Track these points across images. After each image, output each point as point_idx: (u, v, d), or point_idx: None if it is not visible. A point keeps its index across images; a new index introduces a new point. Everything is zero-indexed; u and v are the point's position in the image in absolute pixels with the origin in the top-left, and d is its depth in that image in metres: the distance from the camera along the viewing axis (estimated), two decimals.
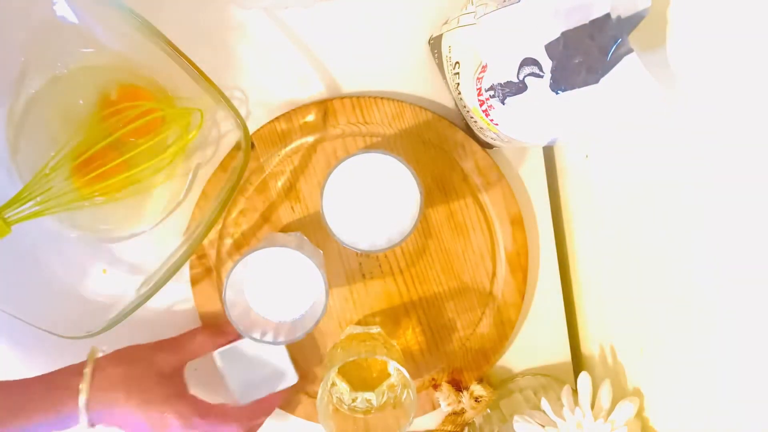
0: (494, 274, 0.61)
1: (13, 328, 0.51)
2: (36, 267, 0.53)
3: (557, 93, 0.42)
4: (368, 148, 0.59)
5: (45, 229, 0.53)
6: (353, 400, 0.56)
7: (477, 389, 0.60)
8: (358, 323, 0.61)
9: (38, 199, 0.50)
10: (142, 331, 0.60)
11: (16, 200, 0.49)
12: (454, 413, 0.61)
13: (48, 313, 0.51)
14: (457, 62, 0.53)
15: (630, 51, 0.40)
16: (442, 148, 0.59)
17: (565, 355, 0.64)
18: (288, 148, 0.58)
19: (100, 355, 0.51)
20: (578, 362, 0.66)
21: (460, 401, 0.60)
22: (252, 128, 0.58)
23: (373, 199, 0.50)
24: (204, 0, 0.57)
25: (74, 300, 0.53)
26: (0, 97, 0.53)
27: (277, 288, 0.52)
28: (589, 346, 0.64)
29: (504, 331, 0.61)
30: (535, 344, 0.63)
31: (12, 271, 0.52)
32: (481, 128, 0.54)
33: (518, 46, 0.43)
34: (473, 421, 0.61)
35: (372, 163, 0.49)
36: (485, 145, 0.59)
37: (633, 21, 0.41)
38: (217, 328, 0.57)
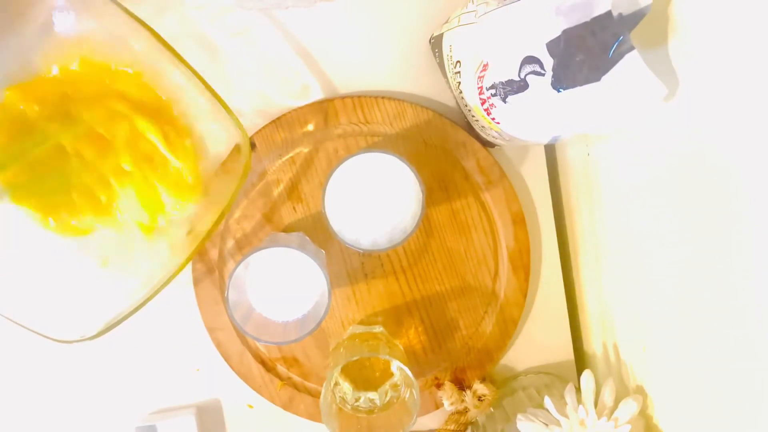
0: (496, 272, 0.61)
1: (8, 331, 0.51)
2: (32, 269, 0.53)
3: (559, 91, 0.42)
4: (370, 147, 0.59)
5: (41, 232, 0.53)
6: (356, 400, 0.56)
7: (480, 388, 0.60)
8: (361, 323, 0.61)
9: None
10: (144, 331, 0.60)
11: None
12: (457, 412, 0.61)
13: (44, 316, 0.50)
14: (458, 61, 0.53)
15: (631, 48, 0.40)
16: (444, 147, 0.59)
17: (567, 353, 0.64)
18: (289, 148, 0.58)
19: None
20: (581, 360, 0.66)
21: (463, 400, 0.60)
22: (253, 129, 0.58)
23: (374, 199, 0.50)
24: (203, 1, 0.57)
25: (71, 303, 0.52)
26: None
27: (279, 288, 0.52)
28: (591, 344, 0.64)
29: (507, 330, 0.61)
30: (537, 343, 0.63)
31: (7, 273, 0.51)
32: (482, 127, 0.54)
33: (519, 45, 0.43)
34: (476, 420, 0.61)
35: (373, 163, 0.49)
36: (487, 144, 0.59)
37: (634, 18, 0.41)
38: None
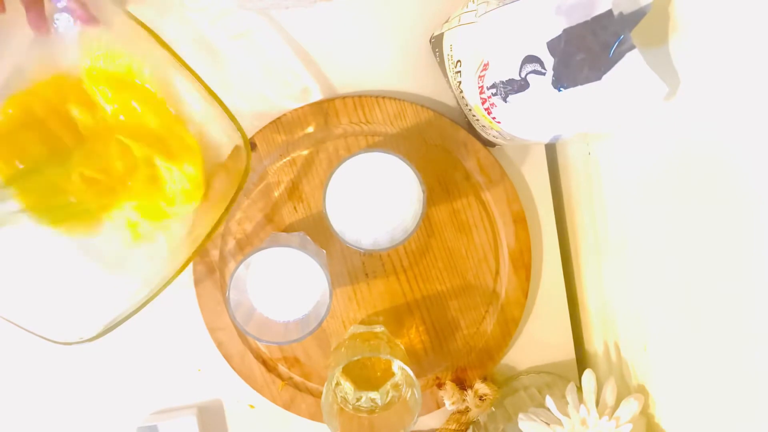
0: (497, 272, 0.61)
1: (8, 331, 0.51)
2: (32, 271, 0.53)
3: (559, 90, 0.42)
4: (370, 147, 0.59)
5: (39, 233, 0.53)
6: (358, 400, 0.56)
7: (481, 388, 0.60)
8: (362, 322, 0.61)
9: None
10: (146, 331, 0.60)
11: None
12: (459, 412, 0.61)
13: (44, 317, 0.50)
14: (459, 60, 0.53)
15: (632, 47, 0.40)
16: (444, 146, 0.59)
17: (569, 352, 0.64)
18: (290, 149, 0.58)
19: None
20: (582, 359, 0.66)
21: (464, 400, 0.60)
22: (254, 129, 0.58)
23: (375, 198, 0.50)
24: (201, 2, 0.57)
25: (72, 304, 0.52)
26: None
27: (280, 288, 0.52)
28: (593, 344, 0.64)
29: (508, 329, 0.61)
30: (539, 342, 0.63)
31: (7, 275, 0.51)
32: (483, 126, 0.54)
33: (520, 44, 0.43)
34: (478, 419, 0.61)
35: (374, 163, 0.49)
36: (487, 144, 0.59)
37: (635, 17, 0.41)
38: None
